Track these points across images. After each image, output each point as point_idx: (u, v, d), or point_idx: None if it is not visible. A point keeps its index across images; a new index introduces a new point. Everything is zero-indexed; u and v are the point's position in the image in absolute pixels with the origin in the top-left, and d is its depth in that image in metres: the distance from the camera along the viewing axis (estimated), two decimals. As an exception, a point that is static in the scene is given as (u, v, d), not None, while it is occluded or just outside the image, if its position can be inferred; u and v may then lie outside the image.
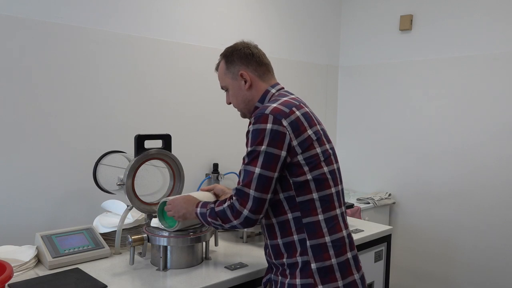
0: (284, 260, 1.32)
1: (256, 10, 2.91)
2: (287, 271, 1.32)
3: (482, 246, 2.86)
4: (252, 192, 1.26)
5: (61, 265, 1.55)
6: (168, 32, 2.42)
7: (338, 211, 1.36)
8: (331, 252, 1.30)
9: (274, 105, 1.31)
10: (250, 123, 1.32)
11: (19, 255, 1.55)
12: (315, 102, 3.37)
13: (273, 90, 1.44)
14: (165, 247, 1.56)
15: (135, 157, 1.68)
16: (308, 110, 1.38)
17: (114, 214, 1.90)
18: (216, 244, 1.80)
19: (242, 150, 1.40)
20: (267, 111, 1.28)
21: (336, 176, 1.39)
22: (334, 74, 3.57)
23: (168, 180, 1.86)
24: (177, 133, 2.20)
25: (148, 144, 1.70)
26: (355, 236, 2.00)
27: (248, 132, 1.31)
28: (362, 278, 1.38)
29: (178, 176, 1.84)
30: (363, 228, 2.13)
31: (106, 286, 1.39)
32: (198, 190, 2.53)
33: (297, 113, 1.31)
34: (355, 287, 1.33)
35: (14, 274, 1.46)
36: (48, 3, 1.96)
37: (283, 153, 1.26)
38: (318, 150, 1.32)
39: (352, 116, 3.54)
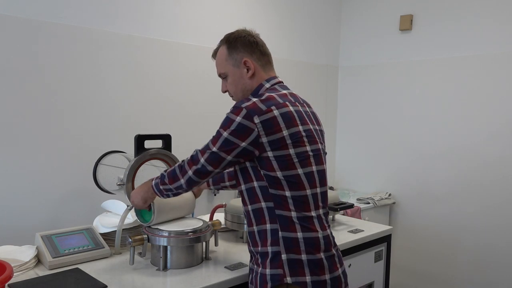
0: (258, 248, 1.34)
1: (256, 10, 2.90)
2: (259, 260, 1.34)
3: (482, 246, 2.86)
4: (202, 160, 1.32)
5: (61, 265, 1.55)
6: (168, 32, 2.42)
7: (313, 213, 1.33)
8: (302, 248, 1.29)
9: (254, 100, 1.30)
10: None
11: (19, 255, 1.55)
12: (315, 102, 3.34)
13: (267, 85, 1.41)
14: (165, 247, 1.56)
15: (135, 157, 1.68)
16: (292, 109, 1.33)
17: (114, 214, 1.90)
18: (216, 244, 1.80)
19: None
20: (244, 105, 1.29)
21: (314, 178, 1.34)
22: (334, 74, 3.57)
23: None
24: (177, 133, 2.20)
25: (148, 144, 1.70)
26: (355, 236, 2.00)
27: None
28: (334, 279, 1.33)
29: (178, 176, 1.84)
30: (363, 228, 2.13)
31: (106, 286, 1.39)
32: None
33: (275, 112, 1.28)
34: (323, 286, 1.30)
35: (14, 274, 1.46)
36: (49, 3, 1.96)
37: (243, 144, 1.28)
38: (292, 151, 1.29)
39: (352, 116, 3.54)
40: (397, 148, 3.26)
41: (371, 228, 2.14)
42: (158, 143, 1.76)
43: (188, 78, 2.53)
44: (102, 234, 1.76)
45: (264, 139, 1.27)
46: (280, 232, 1.30)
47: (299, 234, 1.30)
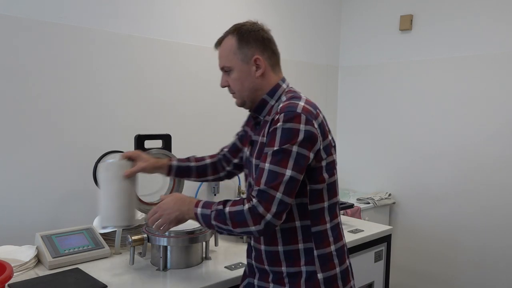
0: (283, 268, 1.24)
1: (256, 10, 2.90)
2: (286, 280, 1.24)
3: (482, 246, 2.86)
4: (279, 195, 1.11)
5: (61, 265, 1.55)
6: (168, 32, 2.42)
7: (339, 219, 1.33)
8: (336, 261, 1.26)
9: (302, 104, 1.19)
10: (277, 121, 1.16)
11: (19, 255, 1.55)
12: (315, 102, 3.36)
13: (284, 85, 1.32)
14: (165, 247, 1.56)
15: (135, 157, 1.68)
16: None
17: (114, 214, 1.90)
18: (216, 244, 1.80)
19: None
20: (299, 110, 1.16)
21: (338, 184, 1.34)
22: (334, 74, 3.57)
23: (168, 180, 1.86)
24: (177, 133, 2.20)
25: (148, 144, 1.70)
26: (355, 236, 2.00)
27: (275, 129, 1.16)
28: (354, 285, 1.36)
29: (178, 176, 1.84)
30: (363, 228, 2.13)
31: (106, 286, 1.39)
32: (197, 191, 2.55)
33: (321, 115, 1.25)
34: None
35: (14, 274, 1.46)
36: (49, 3, 1.96)
37: (311, 155, 1.16)
38: (335, 156, 1.26)
39: (352, 116, 3.54)
40: (397, 148, 3.26)
41: (371, 228, 2.14)
42: (158, 143, 1.76)
43: (188, 78, 2.52)
44: (102, 234, 1.76)
45: (321, 146, 1.19)
46: (315, 251, 1.23)
47: (333, 247, 1.26)
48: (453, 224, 2.98)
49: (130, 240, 1.53)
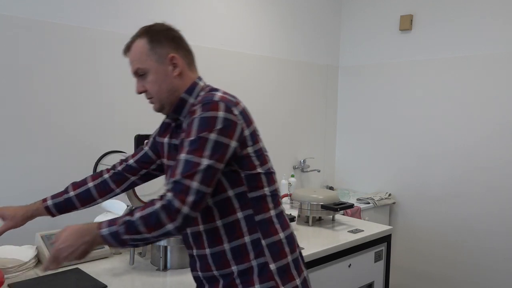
0: (233, 268, 1.17)
1: (256, 10, 2.91)
2: (238, 280, 1.16)
3: (482, 246, 2.86)
4: (195, 184, 1.04)
5: (61, 265, 1.54)
6: (168, 32, 2.42)
7: (282, 206, 1.27)
8: (287, 249, 1.20)
9: (219, 93, 1.16)
10: (194, 112, 1.13)
11: (19, 255, 1.55)
12: (315, 102, 3.37)
13: (201, 83, 1.27)
14: (165, 247, 1.56)
15: (135, 157, 1.68)
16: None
17: (114, 214, 1.90)
18: (216, 244, 1.79)
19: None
20: (216, 98, 1.13)
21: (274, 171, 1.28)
22: (334, 74, 3.57)
23: (168, 180, 1.85)
24: (177, 133, 2.20)
25: (148, 144, 1.70)
26: (355, 236, 2.00)
27: (192, 120, 1.11)
28: (307, 276, 1.29)
29: (178, 176, 1.83)
30: (363, 228, 2.13)
31: (106, 286, 1.39)
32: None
33: (242, 104, 1.19)
34: (306, 283, 1.26)
35: (14, 274, 1.46)
36: (48, 3, 1.96)
37: (233, 143, 1.12)
38: (261, 144, 1.22)
39: (352, 116, 3.54)
40: (397, 148, 3.26)
41: (371, 228, 2.14)
42: (158, 143, 1.76)
43: (188, 78, 2.52)
44: (102, 234, 1.75)
45: (246, 132, 1.16)
46: (263, 241, 1.17)
47: (281, 235, 1.21)
48: (453, 224, 2.98)
49: (130, 240, 1.52)
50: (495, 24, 2.75)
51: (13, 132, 1.89)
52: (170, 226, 1.04)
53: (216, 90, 1.22)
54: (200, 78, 1.28)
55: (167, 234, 1.06)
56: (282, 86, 3.08)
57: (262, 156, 1.20)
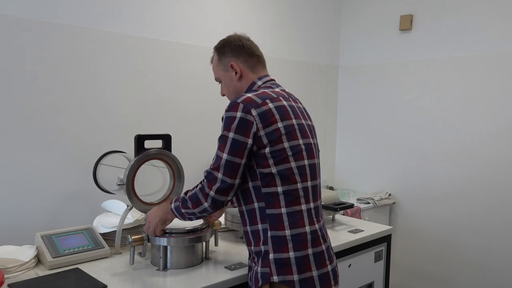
0: (252, 247, 1.38)
1: (257, 10, 2.91)
2: (255, 259, 1.37)
3: (482, 246, 2.86)
4: (219, 175, 1.31)
5: (61, 265, 1.55)
6: (168, 32, 2.42)
7: (304, 206, 1.35)
8: (290, 245, 1.31)
9: (249, 95, 1.34)
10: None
11: (19, 255, 1.55)
12: (315, 102, 3.37)
13: (259, 82, 1.47)
14: (165, 247, 1.56)
15: (135, 157, 1.68)
16: (285, 104, 1.38)
17: (114, 214, 1.90)
18: (216, 244, 1.80)
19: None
20: (239, 100, 1.32)
21: (305, 171, 1.37)
22: (334, 74, 3.57)
23: (168, 180, 1.86)
24: (177, 133, 2.20)
25: (148, 144, 1.70)
26: (355, 236, 2.00)
27: (222, 118, 1.35)
28: (322, 276, 1.35)
29: (178, 176, 1.84)
30: (363, 228, 2.13)
31: (106, 286, 1.39)
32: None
33: (270, 105, 1.33)
34: (311, 283, 1.32)
35: (14, 274, 1.46)
36: (48, 3, 1.96)
37: (249, 141, 1.29)
38: (286, 144, 1.32)
39: (352, 116, 3.54)
40: (397, 148, 3.26)
41: (371, 228, 2.14)
42: (158, 143, 1.76)
43: (188, 78, 2.53)
44: (102, 234, 1.76)
45: (262, 132, 1.30)
46: (269, 232, 1.32)
47: (287, 232, 1.32)
48: (453, 224, 2.98)
49: (130, 240, 1.53)
50: (495, 24, 2.75)
51: (13, 132, 1.89)
52: (206, 204, 1.35)
53: (254, 91, 1.40)
54: (260, 78, 1.48)
55: (205, 211, 1.37)
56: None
57: (282, 156, 1.32)
